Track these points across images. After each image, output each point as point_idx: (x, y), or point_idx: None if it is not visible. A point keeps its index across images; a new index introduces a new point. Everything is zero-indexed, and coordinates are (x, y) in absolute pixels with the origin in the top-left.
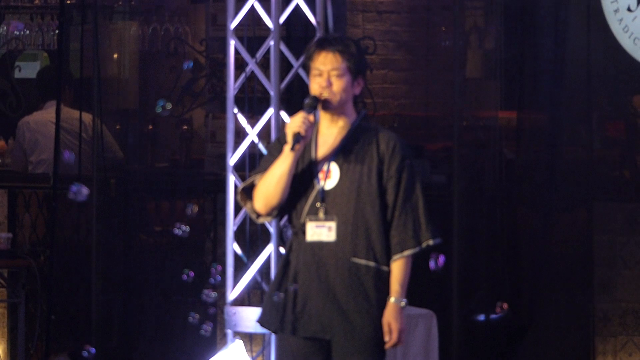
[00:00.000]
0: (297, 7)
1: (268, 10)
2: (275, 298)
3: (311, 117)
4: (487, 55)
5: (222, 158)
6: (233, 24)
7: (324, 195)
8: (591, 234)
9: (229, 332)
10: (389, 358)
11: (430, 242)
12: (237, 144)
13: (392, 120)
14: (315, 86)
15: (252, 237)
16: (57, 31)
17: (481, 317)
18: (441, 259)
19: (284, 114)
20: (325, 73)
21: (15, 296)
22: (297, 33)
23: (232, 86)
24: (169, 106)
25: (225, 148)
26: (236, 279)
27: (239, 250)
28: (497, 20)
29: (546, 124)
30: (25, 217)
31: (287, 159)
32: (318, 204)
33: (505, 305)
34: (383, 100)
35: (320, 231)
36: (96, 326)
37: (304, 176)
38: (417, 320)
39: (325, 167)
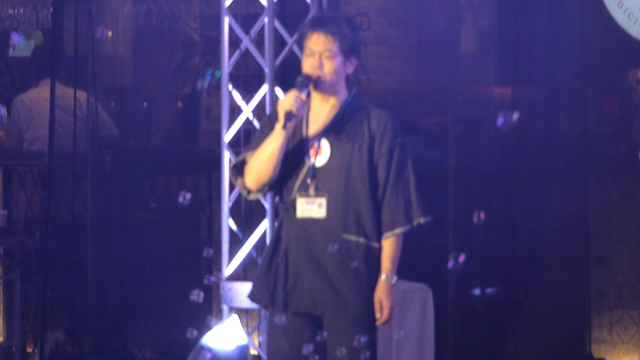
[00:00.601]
0: None
1: None
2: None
3: (303, 96)
4: (481, 31)
5: (217, 135)
6: (227, 1)
7: (314, 172)
8: (587, 209)
9: (225, 307)
10: (384, 333)
11: (422, 219)
12: (232, 120)
13: (386, 96)
14: (307, 66)
15: (247, 213)
16: (51, 9)
17: (477, 292)
18: (462, 257)
19: (278, 91)
20: (317, 54)
21: (10, 273)
22: (291, 10)
23: (227, 63)
24: (218, 74)
25: (220, 125)
26: (231, 254)
27: (234, 227)
28: None
29: (541, 99)
30: (21, 194)
31: (279, 136)
32: (309, 181)
33: (482, 214)
34: (377, 76)
35: (311, 207)
36: (92, 303)
37: (295, 153)
38: (412, 295)
39: (315, 144)
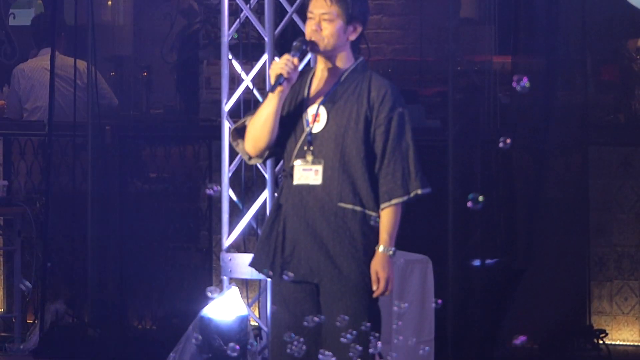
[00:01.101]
0: None
1: None
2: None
3: (295, 60)
4: (480, 0)
5: (217, 104)
6: None
7: (311, 138)
8: (587, 178)
9: (225, 278)
10: (384, 304)
11: (419, 191)
12: (232, 90)
13: (386, 65)
14: (308, 29)
15: (248, 183)
16: None
17: (477, 262)
18: (481, 198)
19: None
20: (317, 17)
21: (10, 244)
22: None
23: (227, 32)
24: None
25: (220, 94)
26: (231, 225)
27: (234, 197)
28: None
29: (541, 69)
30: (21, 164)
31: (271, 100)
32: (305, 147)
33: (508, 140)
34: (377, 45)
35: (307, 174)
36: (92, 273)
37: (295, 119)
38: (412, 265)
39: (314, 111)
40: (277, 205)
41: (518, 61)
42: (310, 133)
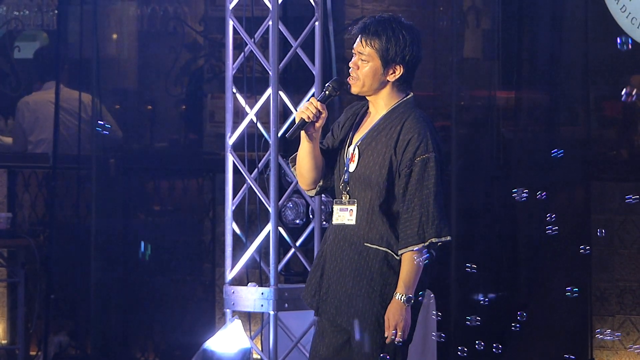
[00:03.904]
0: None
1: None
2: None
3: (319, 105)
4: (484, 35)
5: (221, 138)
6: (232, 4)
7: (348, 178)
8: (589, 213)
9: (228, 311)
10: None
11: (434, 239)
12: (236, 123)
13: None
14: (351, 65)
15: (251, 216)
16: (56, 11)
17: (479, 298)
18: (525, 193)
19: (282, 94)
20: (357, 55)
21: (14, 275)
22: (295, 12)
23: (231, 66)
24: None
25: (224, 128)
26: (235, 258)
27: (237, 230)
28: (495, 0)
29: (544, 104)
30: (25, 196)
31: (302, 142)
32: (342, 187)
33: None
34: None
35: (344, 214)
36: (95, 306)
37: (342, 156)
38: None
39: (351, 150)
40: (324, 242)
41: (521, 96)
42: (347, 172)
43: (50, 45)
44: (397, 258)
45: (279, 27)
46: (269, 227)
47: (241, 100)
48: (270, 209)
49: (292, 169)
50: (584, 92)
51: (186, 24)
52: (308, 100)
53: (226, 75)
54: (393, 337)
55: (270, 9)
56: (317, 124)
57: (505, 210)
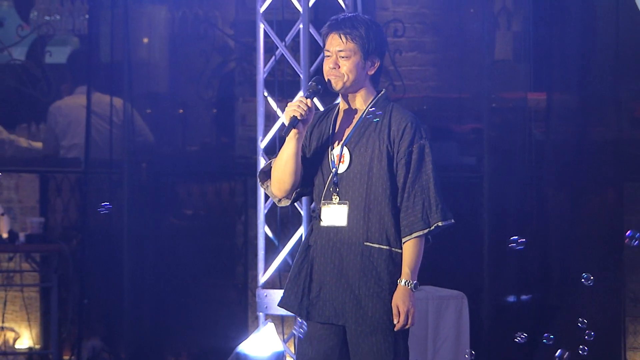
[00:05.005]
0: None
1: None
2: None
3: (308, 102)
4: (515, 37)
5: (253, 141)
6: (262, 7)
7: (337, 179)
8: (621, 215)
9: (261, 315)
10: (420, 340)
11: (440, 223)
12: (267, 127)
13: (420, 102)
14: (325, 67)
15: (283, 220)
16: (87, 16)
17: (512, 299)
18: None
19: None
20: (334, 54)
21: (47, 280)
22: (326, 15)
23: (262, 69)
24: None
25: (255, 131)
26: (267, 262)
27: (270, 233)
28: (526, 2)
29: (575, 105)
30: (57, 201)
31: (289, 142)
32: (331, 189)
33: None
34: (412, 82)
35: (334, 216)
36: (128, 310)
37: (322, 159)
38: (448, 301)
39: (338, 152)
40: (306, 246)
41: (553, 98)
42: (335, 174)
43: (81, 49)
44: (399, 252)
45: (310, 30)
46: (301, 230)
47: (272, 103)
48: (302, 212)
49: (262, 185)
50: (614, 93)
51: (217, 27)
52: (295, 99)
53: (257, 78)
54: (404, 323)
55: (301, 12)
56: (308, 122)
57: (537, 212)
